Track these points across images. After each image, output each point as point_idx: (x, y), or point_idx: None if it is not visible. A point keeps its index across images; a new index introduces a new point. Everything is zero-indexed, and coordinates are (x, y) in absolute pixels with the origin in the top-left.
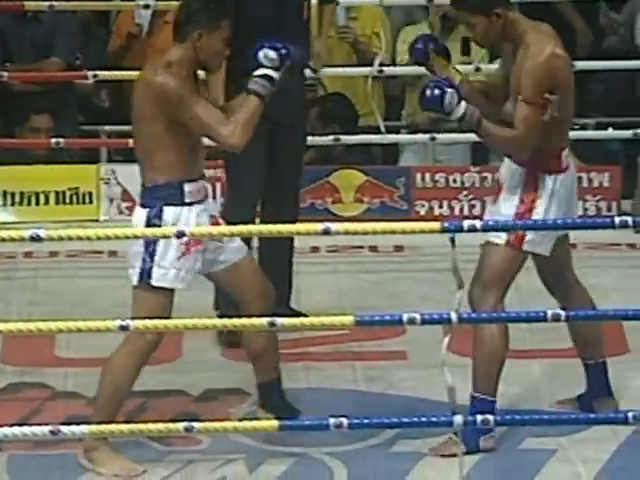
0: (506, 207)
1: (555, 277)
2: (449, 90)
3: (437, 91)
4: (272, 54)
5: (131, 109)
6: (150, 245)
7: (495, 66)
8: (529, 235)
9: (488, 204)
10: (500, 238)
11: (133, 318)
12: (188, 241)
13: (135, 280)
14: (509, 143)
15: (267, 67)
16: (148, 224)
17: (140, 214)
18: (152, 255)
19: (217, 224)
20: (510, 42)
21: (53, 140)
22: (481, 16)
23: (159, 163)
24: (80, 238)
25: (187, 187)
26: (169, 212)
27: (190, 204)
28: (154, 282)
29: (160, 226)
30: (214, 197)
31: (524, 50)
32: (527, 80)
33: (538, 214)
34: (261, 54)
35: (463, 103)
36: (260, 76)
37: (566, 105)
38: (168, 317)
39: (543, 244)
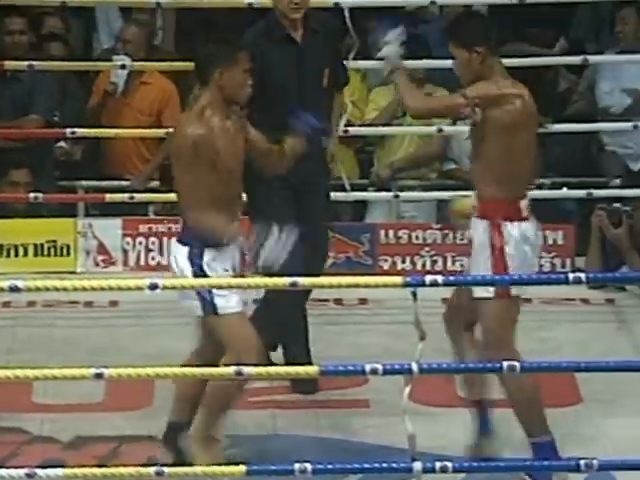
0: (479, 262)
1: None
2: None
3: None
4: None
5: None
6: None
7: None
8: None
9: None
10: (488, 291)
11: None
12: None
13: (199, 312)
14: (412, 100)
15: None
16: (191, 261)
17: (181, 250)
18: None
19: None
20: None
21: (32, 195)
22: (463, 50)
23: (196, 206)
24: (57, 289)
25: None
26: (209, 254)
27: (227, 245)
28: (221, 311)
29: (201, 266)
30: None
31: None
32: (479, 83)
33: (510, 260)
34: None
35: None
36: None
37: (519, 147)
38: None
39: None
